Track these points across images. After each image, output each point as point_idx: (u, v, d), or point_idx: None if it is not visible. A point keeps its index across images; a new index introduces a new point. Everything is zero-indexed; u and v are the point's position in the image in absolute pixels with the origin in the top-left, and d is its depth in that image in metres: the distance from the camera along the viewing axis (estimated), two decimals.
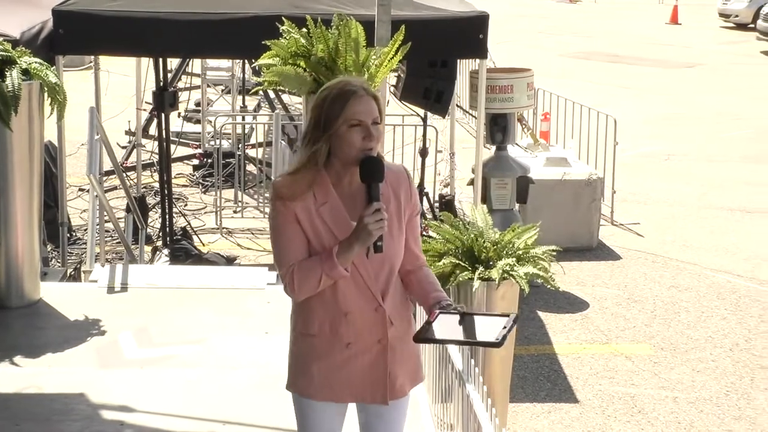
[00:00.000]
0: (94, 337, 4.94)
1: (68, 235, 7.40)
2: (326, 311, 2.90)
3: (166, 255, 7.70)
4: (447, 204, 8.73)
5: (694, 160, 12.05)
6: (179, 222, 8.86)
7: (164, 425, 4.12)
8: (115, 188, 9.57)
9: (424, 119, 8.83)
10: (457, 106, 10.96)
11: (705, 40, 22.89)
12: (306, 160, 2.85)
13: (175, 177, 9.63)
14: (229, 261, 7.97)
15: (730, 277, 8.20)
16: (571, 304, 7.55)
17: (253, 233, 8.90)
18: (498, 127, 7.83)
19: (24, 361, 4.69)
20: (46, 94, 5.16)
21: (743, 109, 15.10)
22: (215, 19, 6.41)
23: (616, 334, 7.05)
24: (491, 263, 5.25)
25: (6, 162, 5.17)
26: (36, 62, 5.14)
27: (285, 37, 5.14)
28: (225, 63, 12.00)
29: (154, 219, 8.94)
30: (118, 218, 7.80)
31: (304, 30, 5.13)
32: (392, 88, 8.61)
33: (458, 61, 8.44)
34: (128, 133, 10.68)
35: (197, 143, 11.02)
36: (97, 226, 6.67)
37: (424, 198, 8.69)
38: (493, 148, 8.03)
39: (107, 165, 7.91)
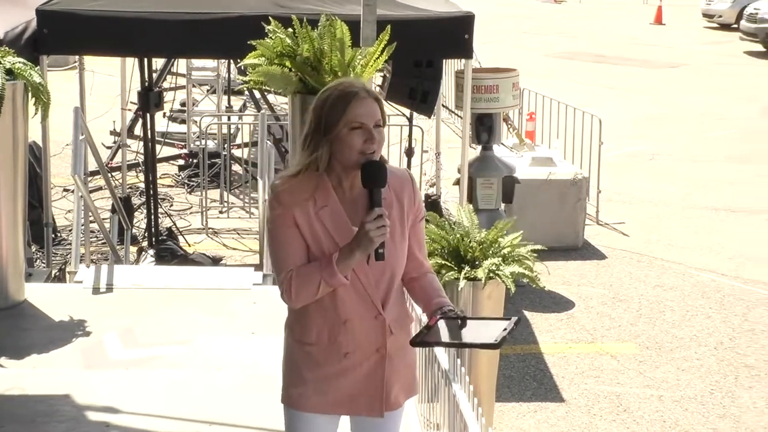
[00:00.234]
0: (79, 338, 4.92)
1: (53, 235, 7.37)
2: (325, 319, 2.82)
3: (151, 255, 7.68)
4: (433, 204, 8.73)
5: (678, 159, 12.10)
6: (165, 222, 8.84)
7: (150, 426, 4.11)
8: (100, 189, 9.53)
9: (410, 119, 8.83)
10: (443, 106, 10.97)
11: (689, 40, 22.99)
12: (307, 164, 2.77)
13: (160, 177, 9.61)
14: (215, 261, 7.95)
15: (715, 276, 8.25)
16: (557, 303, 7.57)
17: (239, 233, 8.88)
18: (484, 127, 7.84)
19: (8, 362, 4.67)
20: (30, 95, 5.13)
21: (727, 109, 15.18)
22: (200, 18, 6.39)
23: (601, 333, 7.07)
24: (477, 263, 5.27)
25: None
26: (20, 62, 5.11)
27: (271, 37, 5.13)
28: (210, 63, 11.97)
29: (140, 219, 8.91)
30: (104, 219, 7.77)
31: (290, 30, 5.13)
32: (378, 88, 8.61)
33: (444, 61, 8.44)
34: (113, 133, 10.65)
35: (183, 143, 10.99)
36: (82, 227, 6.64)
37: None
38: (479, 148, 8.04)
39: (92, 165, 7.87)
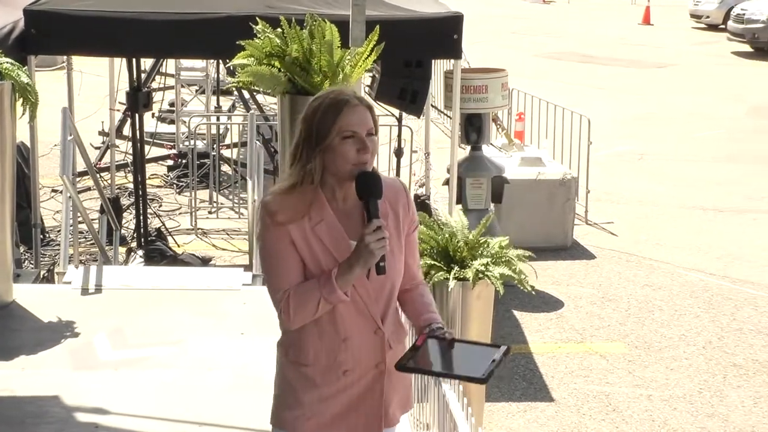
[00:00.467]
0: (68, 338, 4.91)
1: (41, 236, 7.34)
2: (323, 338, 2.71)
3: (140, 256, 7.67)
4: (422, 204, 8.74)
5: (667, 159, 12.14)
6: (154, 223, 8.82)
7: (139, 427, 4.10)
8: (89, 189, 9.51)
9: (399, 119, 8.84)
10: (432, 106, 10.98)
11: (677, 40, 23.07)
12: (301, 178, 2.65)
13: (149, 178, 9.59)
14: (205, 262, 7.94)
15: (703, 276, 8.28)
16: (546, 303, 7.58)
17: (228, 234, 8.87)
18: (473, 127, 7.85)
19: None
20: (17, 95, 5.11)
21: (715, 109, 15.24)
22: (189, 19, 6.38)
23: (590, 332, 7.09)
24: (466, 263, 5.27)
25: None
26: (7, 62, 5.10)
27: (259, 38, 5.13)
28: (199, 63, 11.95)
29: (129, 220, 8.89)
30: (92, 219, 7.75)
31: (279, 30, 5.12)
32: (367, 89, 8.61)
33: (433, 61, 8.45)
34: (102, 133, 10.62)
35: (171, 144, 10.97)
36: (71, 228, 6.62)
37: None
38: (468, 148, 8.05)
39: (81, 166, 7.86)
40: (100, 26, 6.34)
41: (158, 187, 10.23)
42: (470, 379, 2.59)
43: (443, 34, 6.57)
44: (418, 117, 8.92)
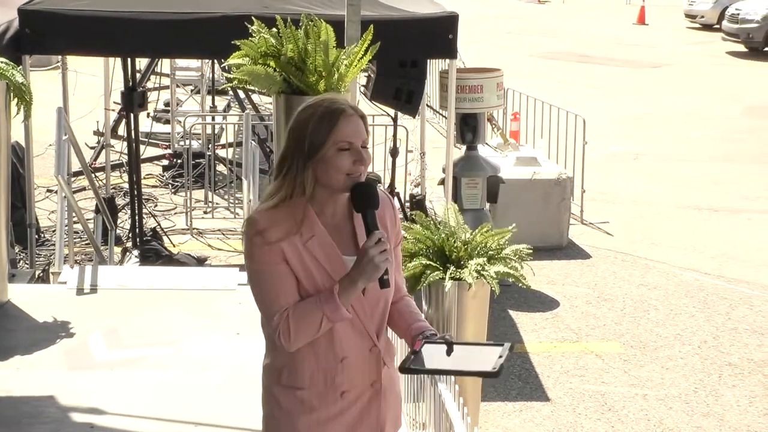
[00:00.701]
0: (63, 339, 4.90)
1: (36, 236, 7.33)
2: (319, 359, 2.58)
3: (136, 256, 7.66)
4: (418, 204, 8.74)
5: (662, 159, 12.16)
6: (149, 223, 8.81)
7: (135, 427, 4.10)
8: (84, 189, 9.49)
9: (395, 119, 8.84)
10: (428, 106, 10.98)
11: (672, 40, 23.10)
12: (291, 192, 2.52)
13: (144, 177, 9.57)
14: (200, 262, 7.93)
15: (698, 275, 8.29)
16: (542, 302, 7.59)
17: (223, 234, 8.86)
18: (468, 127, 7.85)
19: None
20: (12, 94, 5.11)
21: (710, 108, 15.27)
22: (184, 18, 6.38)
23: (586, 332, 7.09)
24: (462, 263, 5.27)
25: None
26: (2, 62, 5.09)
27: (255, 37, 5.12)
28: (194, 63, 11.95)
29: (124, 220, 8.88)
30: (87, 219, 7.74)
31: (274, 30, 5.12)
32: (362, 88, 8.61)
33: (428, 61, 8.46)
34: (97, 133, 10.60)
35: (167, 143, 10.96)
36: (66, 228, 6.61)
37: (395, 198, 8.71)
38: (464, 147, 8.05)
39: (75, 166, 7.84)
40: (95, 26, 6.34)
41: (153, 186, 10.22)
42: (483, 374, 2.56)
43: (438, 34, 6.58)
44: (414, 117, 8.93)
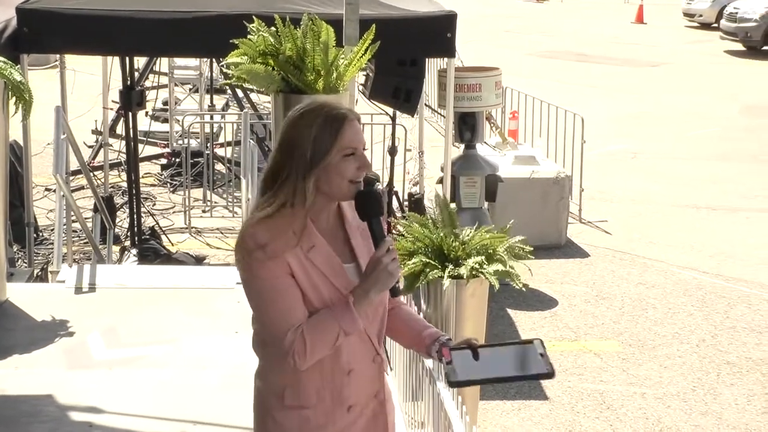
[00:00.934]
0: (62, 338, 4.90)
1: (35, 235, 7.32)
2: (325, 374, 2.46)
3: (134, 255, 7.66)
4: (416, 202, 8.74)
5: (660, 158, 12.16)
6: (147, 222, 8.80)
7: (134, 426, 4.09)
8: (82, 188, 9.49)
9: (393, 118, 8.84)
10: (426, 105, 10.99)
11: (670, 39, 23.11)
12: (289, 202, 2.40)
13: (142, 176, 9.57)
14: (198, 261, 7.93)
15: (696, 274, 8.29)
16: (540, 301, 7.59)
17: (222, 233, 8.86)
18: (466, 126, 7.85)
19: None
20: (11, 93, 5.10)
21: (709, 107, 15.27)
22: (182, 17, 6.37)
23: (584, 331, 7.10)
24: (460, 261, 5.28)
25: None
26: (0, 61, 5.08)
27: (253, 36, 5.12)
28: (192, 62, 11.95)
29: (122, 219, 8.88)
30: (86, 218, 7.74)
31: (273, 29, 5.12)
32: (361, 87, 8.61)
33: (426, 59, 8.45)
34: (95, 132, 10.60)
35: (165, 142, 10.96)
36: (64, 226, 6.61)
37: (394, 197, 8.71)
38: (462, 146, 8.05)
39: (74, 164, 7.84)
40: (93, 25, 6.33)
41: (152, 185, 10.21)
42: (540, 377, 2.50)
43: (437, 33, 6.58)
44: (412, 116, 8.92)
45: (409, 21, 6.54)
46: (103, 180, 8.87)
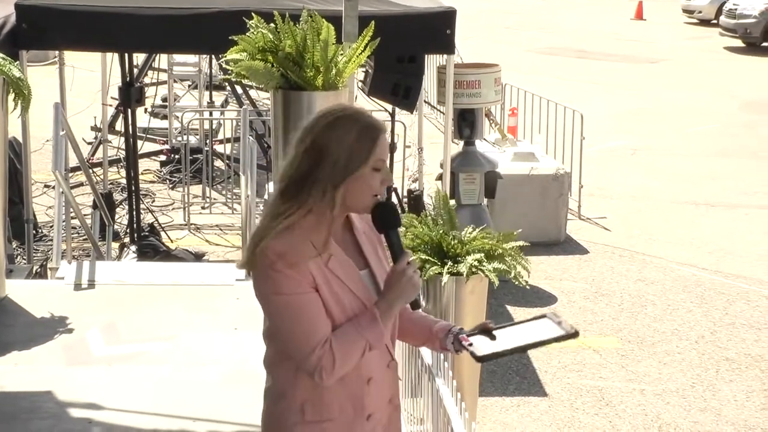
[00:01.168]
0: (61, 334, 4.90)
1: (34, 232, 7.33)
2: (346, 385, 2.40)
3: (133, 251, 7.66)
4: (415, 199, 8.74)
5: (660, 154, 12.16)
6: (147, 218, 8.81)
7: (133, 422, 4.10)
8: (82, 184, 9.49)
9: (392, 114, 8.83)
10: (425, 101, 10.98)
11: (669, 35, 23.10)
12: (321, 210, 2.32)
13: (142, 173, 9.58)
14: (198, 257, 7.93)
15: (695, 270, 8.30)
16: (540, 298, 7.59)
17: (221, 229, 8.86)
18: (466, 123, 7.85)
19: None
20: (10, 89, 5.10)
21: (708, 104, 15.27)
22: (182, 14, 6.37)
23: (583, 327, 7.10)
24: (459, 258, 5.28)
25: None
26: None
27: (253, 32, 5.11)
28: (192, 58, 11.93)
29: (122, 215, 8.88)
30: (85, 215, 7.74)
31: (272, 25, 5.11)
32: (360, 84, 8.60)
33: (426, 56, 8.45)
34: (94, 129, 10.60)
35: (164, 139, 10.95)
36: (64, 223, 6.61)
37: (393, 194, 8.71)
38: (461, 143, 8.06)
39: (73, 161, 7.84)
40: (92, 21, 6.33)
41: (151, 182, 10.22)
42: (563, 338, 2.49)
43: (436, 30, 6.57)
44: (411, 112, 8.92)
45: (409, 17, 6.54)
46: (102, 177, 8.87)
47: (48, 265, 6.57)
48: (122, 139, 9.29)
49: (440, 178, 7.39)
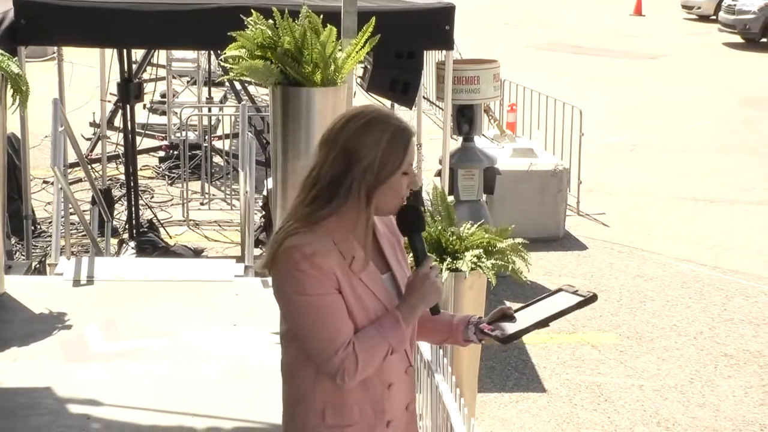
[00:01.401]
0: (60, 330, 4.90)
1: (33, 227, 7.33)
2: (367, 390, 2.38)
3: (132, 247, 7.65)
4: (414, 195, 8.73)
5: (659, 150, 12.16)
6: (145, 214, 8.80)
7: (132, 418, 4.10)
8: (80, 180, 9.49)
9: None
10: (424, 97, 10.97)
11: (668, 31, 23.09)
12: (349, 210, 2.31)
13: (140, 169, 9.57)
14: (197, 253, 7.93)
15: (694, 266, 8.30)
16: (538, 294, 7.55)
17: (220, 225, 8.86)
18: (465, 119, 7.85)
19: None
20: (9, 85, 5.09)
21: (707, 100, 15.27)
22: (180, 9, 6.36)
23: (582, 323, 7.10)
24: (458, 255, 5.28)
25: None
26: None
27: (251, 28, 5.11)
28: (190, 54, 11.93)
29: (120, 211, 8.88)
30: (84, 211, 7.73)
31: (271, 21, 5.11)
32: (359, 80, 8.60)
33: (424, 52, 8.44)
34: (93, 124, 10.59)
35: (163, 135, 10.95)
36: (62, 219, 6.60)
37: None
38: (460, 139, 8.05)
39: (72, 157, 7.83)
40: (91, 17, 6.32)
41: (150, 178, 10.21)
42: (583, 303, 2.57)
43: (435, 25, 6.57)
44: (410, 108, 8.90)
45: (408, 13, 6.54)
46: (101, 172, 8.87)
47: (47, 261, 6.56)
48: (121, 135, 9.28)
49: (439, 174, 7.39)
